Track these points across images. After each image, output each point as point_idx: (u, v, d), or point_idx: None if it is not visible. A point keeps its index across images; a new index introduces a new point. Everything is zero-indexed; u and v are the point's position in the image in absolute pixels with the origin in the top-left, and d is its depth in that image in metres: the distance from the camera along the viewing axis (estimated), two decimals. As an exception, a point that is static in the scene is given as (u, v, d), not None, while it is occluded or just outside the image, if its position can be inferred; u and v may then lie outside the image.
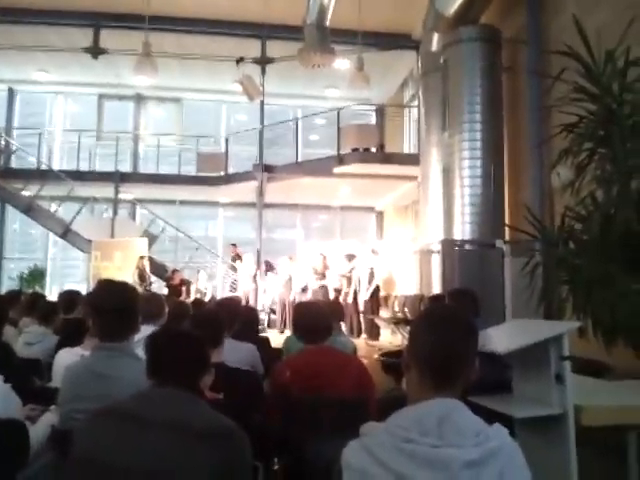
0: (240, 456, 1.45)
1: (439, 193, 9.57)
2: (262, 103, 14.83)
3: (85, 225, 14.13)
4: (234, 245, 14.44)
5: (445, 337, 1.35)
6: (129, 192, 15.63)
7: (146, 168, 17.03)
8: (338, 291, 11.78)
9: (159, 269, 13.85)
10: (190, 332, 1.69)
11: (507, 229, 8.35)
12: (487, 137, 8.90)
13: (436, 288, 8.67)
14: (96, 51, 13.61)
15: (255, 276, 12.76)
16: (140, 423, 1.43)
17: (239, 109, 17.74)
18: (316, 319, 3.06)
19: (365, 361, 3.98)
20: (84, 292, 5.38)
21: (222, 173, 15.10)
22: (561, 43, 4.63)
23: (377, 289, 11.01)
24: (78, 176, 14.73)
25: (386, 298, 11.10)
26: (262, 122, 15.00)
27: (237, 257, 14.10)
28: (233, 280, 13.62)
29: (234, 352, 3.20)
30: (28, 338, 4.13)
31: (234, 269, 13.75)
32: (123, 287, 2.28)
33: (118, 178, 15.11)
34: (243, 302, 11.30)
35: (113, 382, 1.99)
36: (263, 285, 12.74)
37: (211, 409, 1.55)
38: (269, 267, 13.81)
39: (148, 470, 1.36)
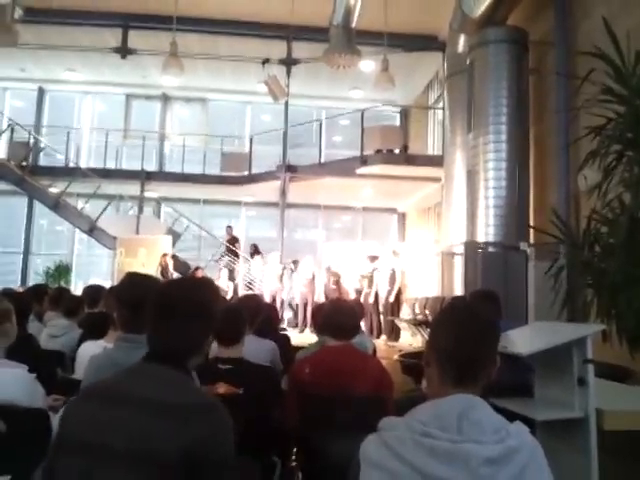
0: (218, 434, 1.39)
1: (463, 195, 9.51)
2: (287, 104, 14.89)
3: (111, 222, 14.33)
4: (254, 245, 14.56)
5: (466, 331, 1.34)
6: (154, 190, 15.81)
7: (171, 167, 17.21)
8: (359, 292, 11.76)
9: (182, 266, 13.98)
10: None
11: (531, 231, 8.25)
12: (512, 139, 8.81)
13: (458, 290, 8.61)
14: (124, 51, 13.82)
15: (282, 276, 12.79)
16: (116, 400, 1.43)
17: (264, 110, 17.82)
18: (347, 316, 3.07)
19: (384, 362, 3.97)
20: (108, 287, 5.45)
21: (246, 173, 15.19)
22: (589, 45, 4.57)
23: (399, 291, 10.98)
24: (105, 174, 14.96)
25: (397, 299, 11.03)
26: (286, 123, 15.05)
27: (255, 254, 14.19)
28: (250, 279, 13.68)
29: (255, 348, 3.22)
30: (53, 331, 4.19)
31: (250, 266, 13.87)
32: (146, 279, 2.30)
33: (144, 176, 15.29)
34: (269, 300, 11.40)
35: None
36: (288, 284, 12.77)
37: (195, 387, 1.56)
38: (255, 251, 13.93)
39: (121, 448, 1.35)
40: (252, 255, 14.37)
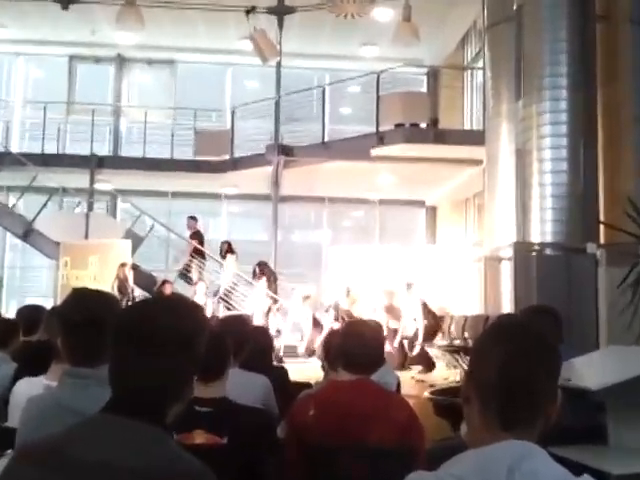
0: None
1: (511, 182, 9.50)
2: (279, 65, 14.95)
3: (52, 223, 14.38)
4: (227, 243, 14.57)
5: (518, 358, 1.35)
6: (108, 181, 15.85)
7: (130, 150, 17.29)
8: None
9: (145, 279, 14.01)
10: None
11: (602, 228, 8.25)
12: (575, 107, 8.80)
13: (506, 307, 8.61)
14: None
15: (269, 310, 12.84)
16: (67, 467, 1.38)
17: (249, 74, 17.90)
18: (369, 343, 3.07)
19: (412, 401, 3.97)
20: (49, 307, 5.47)
21: (227, 157, 15.23)
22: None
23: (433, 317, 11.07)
24: (43, 161, 15.00)
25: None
26: (278, 90, 15.09)
27: (227, 253, 14.23)
28: (225, 293, 13.72)
29: (241, 386, 3.23)
30: (-22, 366, 4.21)
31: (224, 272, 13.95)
32: (100, 296, 2.31)
33: (94, 163, 15.35)
34: (260, 322, 11.45)
35: (87, 418, 2.03)
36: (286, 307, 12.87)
37: (176, 449, 1.49)
38: (228, 249, 14.02)
39: None
40: (224, 255, 14.39)
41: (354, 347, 3.04)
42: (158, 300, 1.96)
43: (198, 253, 14.45)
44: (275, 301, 13.35)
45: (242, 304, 13.50)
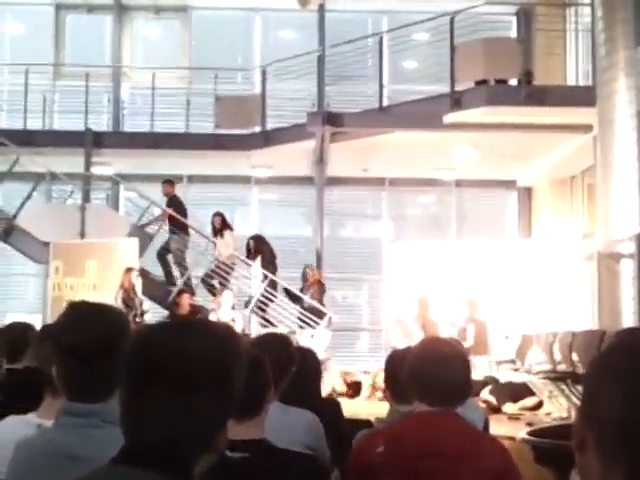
0: None
1: (632, 154, 9.38)
2: (321, 9, 14.94)
3: (39, 218, 14.57)
4: (219, 215, 14.69)
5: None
6: (108, 164, 16.02)
7: (134, 124, 17.46)
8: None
9: (157, 288, 14.15)
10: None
11: None
12: None
13: (628, 318, 8.50)
14: None
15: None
16: None
17: (283, 22, 17.94)
18: (452, 366, 3.05)
19: (504, 444, 3.95)
20: (39, 325, 5.56)
21: (257, 129, 15.29)
22: None
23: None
24: (26, 139, 15.21)
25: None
26: (322, 42, 15.07)
27: (221, 230, 14.40)
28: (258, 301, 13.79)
29: (283, 424, 3.25)
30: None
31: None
32: (104, 312, 2.33)
33: (90, 141, 15.52)
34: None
35: (91, 467, 2.04)
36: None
37: None
38: (224, 224, 14.15)
39: None
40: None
41: (433, 372, 3.02)
42: (182, 322, 1.95)
43: (181, 229, 14.58)
44: (274, 286, 13.31)
45: (281, 317, 13.57)
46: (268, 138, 15.10)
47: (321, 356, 12.01)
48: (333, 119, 14.03)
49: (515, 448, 5.37)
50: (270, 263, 14.21)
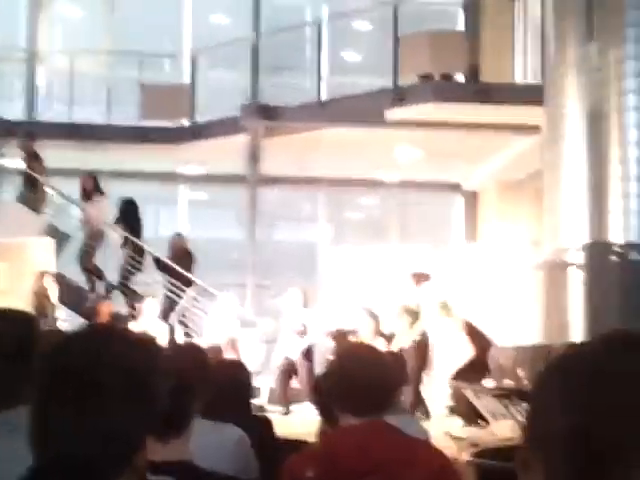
0: None
1: (582, 157, 9.52)
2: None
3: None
4: (92, 176, 14.64)
5: (597, 413, 1.33)
6: (20, 155, 15.83)
7: (50, 113, 17.26)
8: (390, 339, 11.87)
9: (73, 294, 14.00)
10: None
11: None
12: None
13: (577, 332, 8.63)
14: None
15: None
16: None
17: (216, 5, 17.90)
18: (375, 371, 3.08)
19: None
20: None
21: (185, 122, 15.25)
22: None
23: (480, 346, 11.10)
24: None
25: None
26: (257, 28, 15.05)
27: (91, 193, 14.36)
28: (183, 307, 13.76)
29: (208, 443, 3.24)
30: None
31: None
32: (16, 317, 2.33)
33: (2, 130, 15.31)
34: (227, 352, 11.49)
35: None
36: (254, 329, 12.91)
37: None
38: (96, 187, 14.22)
39: None
40: (86, 197, 14.47)
41: (355, 378, 3.05)
42: (97, 329, 1.97)
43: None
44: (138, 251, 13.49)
45: (202, 326, 13.52)
46: (197, 132, 15.09)
47: (254, 368, 12.08)
48: (268, 112, 14.05)
49: (458, 470, 5.43)
50: (132, 229, 14.25)
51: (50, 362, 1.57)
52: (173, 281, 14.00)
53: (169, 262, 14.04)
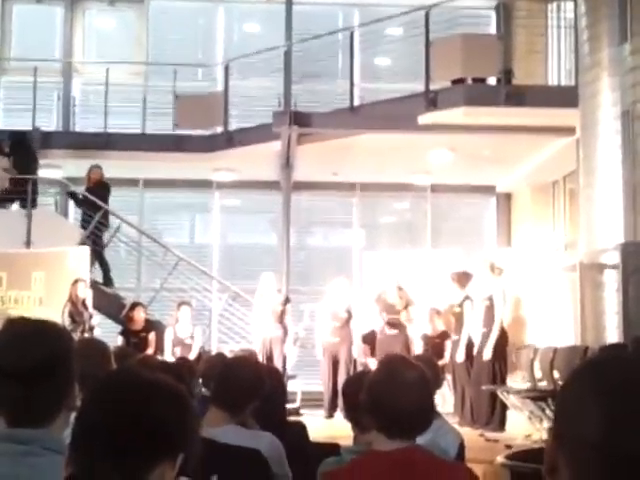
0: None
1: (616, 158, 9.44)
2: (289, 2, 14.93)
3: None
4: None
5: (629, 413, 1.31)
6: (56, 166, 15.93)
7: (85, 124, 17.37)
8: (430, 340, 11.79)
9: (109, 302, 14.07)
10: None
11: None
12: None
13: (612, 333, 8.55)
14: None
15: (282, 314, 12.87)
16: None
17: (248, 14, 17.94)
18: (412, 392, 3.02)
19: (480, 468, 3.97)
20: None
21: (219, 130, 15.27)
22: None
23: (503, 336, 10.98)
24: (-35, 138, 15.11)
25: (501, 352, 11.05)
26: (289, 37, 15.06)
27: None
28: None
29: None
30: None
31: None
32: (48, 331, 2.31)
33: (38, 141, 15.41)
34: (262, 358, 11.51)
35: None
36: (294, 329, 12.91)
37: None
38: None
39: None
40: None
41: (393, 401, 2.99)
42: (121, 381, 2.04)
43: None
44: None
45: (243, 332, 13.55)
46: (231, 139, 15.08)
47: (287, 374, 12.08)
48: (300, 119, 14.02)
49: (492, 474, 5.38)
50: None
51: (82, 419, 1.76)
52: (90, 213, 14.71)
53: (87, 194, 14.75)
